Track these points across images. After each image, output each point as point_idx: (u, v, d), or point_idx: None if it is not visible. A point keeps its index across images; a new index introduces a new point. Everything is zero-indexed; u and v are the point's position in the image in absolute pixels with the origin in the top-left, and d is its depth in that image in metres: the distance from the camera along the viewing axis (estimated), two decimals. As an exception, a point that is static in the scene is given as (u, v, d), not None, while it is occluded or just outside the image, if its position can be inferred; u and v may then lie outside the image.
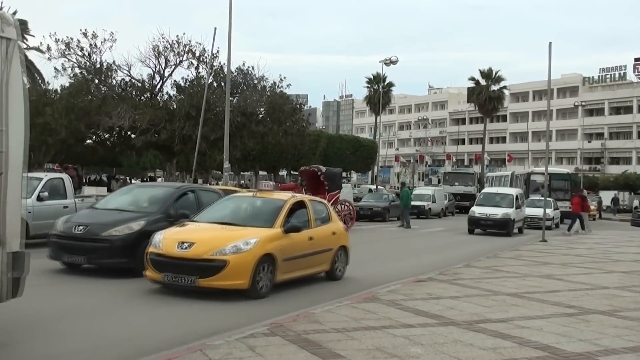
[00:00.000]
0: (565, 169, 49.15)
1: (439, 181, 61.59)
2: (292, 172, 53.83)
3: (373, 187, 45.28)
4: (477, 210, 27.35)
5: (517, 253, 18.23)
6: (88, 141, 35.52)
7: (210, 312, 8.95)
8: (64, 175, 18.16)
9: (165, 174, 38.57)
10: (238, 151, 32.02)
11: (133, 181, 59.55)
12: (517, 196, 28.18)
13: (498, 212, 26.61)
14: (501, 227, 26.31)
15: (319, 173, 25.71)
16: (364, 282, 12.05)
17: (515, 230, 27.38)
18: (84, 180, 52.44)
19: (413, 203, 36.97)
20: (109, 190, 34.72)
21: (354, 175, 71.81)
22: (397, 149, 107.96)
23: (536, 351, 6.77)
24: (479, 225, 26.82)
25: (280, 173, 55.67)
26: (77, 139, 32.71)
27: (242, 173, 59.73)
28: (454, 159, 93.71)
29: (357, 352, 6.52)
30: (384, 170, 79.71)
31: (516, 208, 27.38)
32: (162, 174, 49.87)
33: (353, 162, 56.74)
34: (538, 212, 30.11)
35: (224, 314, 8.90)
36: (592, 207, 45.04)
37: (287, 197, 11.57)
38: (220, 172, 39.02)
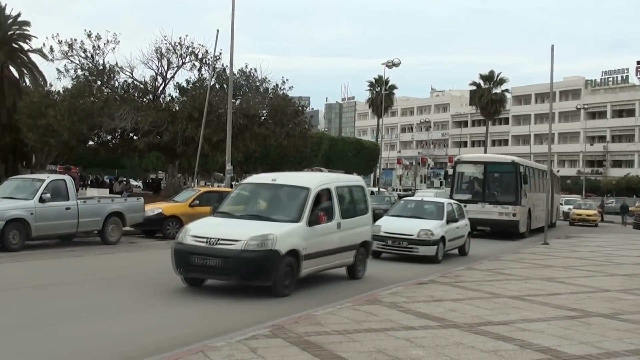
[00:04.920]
0: (509, 157, 29.34)
1: (441, 184, 61.60)
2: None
3: (375, 189, 45.18)
4: (193, 230, 10.63)
5: (519, 256, 18.20)
6: (90, 143, 35.56)
7: (212, 313, 8.97)
8: (66, 177, 18.17)
9: (168, 176, 38.58)
10: (240, 153, 32.03)
11: (134, 182, 59.62)
12: (315, 196, 11.22)
13: (241, 235, 10.10)
14: (243, 275, 10.08)
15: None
16: None
17: (328, 269, 11.98)
18: (87, 182, 52.64)
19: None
20: (111, 191, 34.76)
21: (356, 178, 71.79)
22: (399, 152, 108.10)
23: (537, 354, 6.77)
24: (191, 269, 10.30)
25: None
26: (80, 140, 32.76)
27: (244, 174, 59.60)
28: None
29: (359, 354, 6.51)
30: (386, 172, 79.72)
31: (310, 224, 10.83)
32: (164, 176, 49.89)
33: (355, 164, 56.79)
34: (407, 227, 16.53)
35: (225, 315, 8.90)
36: (595, 212, 44.67)
37: None
38: (222, 174, 38.98)
